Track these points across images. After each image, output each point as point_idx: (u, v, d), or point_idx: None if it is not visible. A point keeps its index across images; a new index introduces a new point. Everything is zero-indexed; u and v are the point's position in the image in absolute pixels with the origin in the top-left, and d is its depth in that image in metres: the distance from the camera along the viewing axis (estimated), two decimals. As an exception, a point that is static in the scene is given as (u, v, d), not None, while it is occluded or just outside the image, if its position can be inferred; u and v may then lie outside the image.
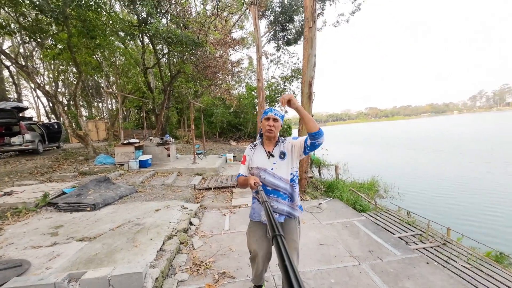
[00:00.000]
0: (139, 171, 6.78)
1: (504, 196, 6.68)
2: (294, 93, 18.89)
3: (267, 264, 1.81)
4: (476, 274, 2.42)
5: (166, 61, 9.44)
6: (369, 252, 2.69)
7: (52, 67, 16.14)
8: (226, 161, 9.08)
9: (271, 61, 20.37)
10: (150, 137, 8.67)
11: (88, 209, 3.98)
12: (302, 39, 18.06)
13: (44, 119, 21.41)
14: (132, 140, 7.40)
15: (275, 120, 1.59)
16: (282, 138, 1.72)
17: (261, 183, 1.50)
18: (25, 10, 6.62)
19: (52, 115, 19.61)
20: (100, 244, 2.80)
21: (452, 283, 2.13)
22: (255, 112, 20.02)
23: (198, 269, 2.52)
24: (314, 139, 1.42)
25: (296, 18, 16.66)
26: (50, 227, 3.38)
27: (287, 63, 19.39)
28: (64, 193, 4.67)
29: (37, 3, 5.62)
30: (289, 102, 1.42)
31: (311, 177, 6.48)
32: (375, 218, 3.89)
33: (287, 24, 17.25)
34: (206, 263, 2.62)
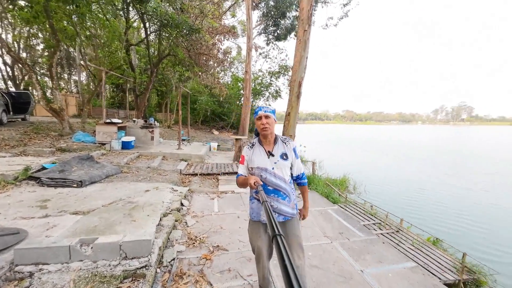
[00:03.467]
0: (121, 152, 6.66)
1: (446, 194, 7.98)
2: (279, 89, 19.33)
3: (269, 263, 1.78)
4: (417, 252, 3.09)
5: (155, 41, 9.06)
6: (339, 234, 3.22)
7: (16, 31, 14.31)
8: (210, 149, 9.23)
9: (260, 54, 20.44)
10: (134, 119, 8.43)
11: (75, 185, 3.96)
12: (292, 35, 18.45)
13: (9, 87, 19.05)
14: (115, 120, 7.16)
15: (267, 117, 1.58)
16: (282, 137, 1.72)
17: (261, 183, 1.49)
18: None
19: (10, 83, 17.51)
20: (97, 217, 2.92)
21: (399, 257, 2.74)
22: (239, 103, 20.14)
23: (194, 243, 2.81)
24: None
25: (288, 14, 16.82)
26: (37, 201, 3.36)
27: (276, 58, 19.65)
28: (44, 168, 4.52)
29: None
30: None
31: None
32: (345, 209, 4.50)
33: (279, 19, 17.38)
34: (200, 238, 2.92)
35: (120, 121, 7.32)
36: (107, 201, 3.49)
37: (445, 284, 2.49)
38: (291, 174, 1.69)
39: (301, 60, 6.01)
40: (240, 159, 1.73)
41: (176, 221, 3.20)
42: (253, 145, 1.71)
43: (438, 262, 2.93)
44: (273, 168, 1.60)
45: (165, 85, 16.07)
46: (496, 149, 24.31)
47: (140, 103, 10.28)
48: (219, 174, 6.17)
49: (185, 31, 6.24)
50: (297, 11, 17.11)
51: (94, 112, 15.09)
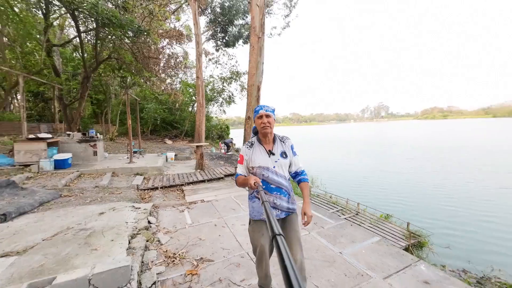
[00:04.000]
0: (56, 173, 5.48)
1: (384, 178, 9.56)
2: (232, 94, 19.48)
3: (269, 259, 1.75)
4: (376, 228, 3.60)
5: (90, 42, 7.80)
6: (314, 224, 3.47)
7: None
8: (167, 160, 8.54)
9: (209, 60, 20.22)
10: (68, 132, 7.07)
11: (-5, 221, 3.07)
12: (240, 42, 18.94)
13: None
14: (42, 135, 5.85)
15: (267, 116, 1.60)
16: (279, 136, 1.74)
17: (261, 184, 1.49)
18: None
19: None
20: (40, 255, 2.34)
21: (365, 235, 3.14)
22: (192, 110, 19.34)
23: (173, 261, 2.56)
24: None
25: (236, 22, 17.22)
26: None
27: (226, 64, 19.77)
28: None
29: None
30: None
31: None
32: (312, 201, 4.87)
33: (226, 26, 17.62)
34: (179, 254, 2.68)
35: (49, 135, 6.02)
36: (49, 233, 2.83)
37: (403, 250, 2.98)
38: (290, 172, 1.75)
39: (258, 65, 6.26)
40: (239, 159, 1.70)
41: (147, 241, 2.84)
42: (252, 144, 1.69)
43: (393, 233, 3.49)
44: (274, 167, 1.61)
45: (103, 92, 14.06)
46: (406, 139, 30.50)
47: (75, 113, 8.69)
48: (183, 185, 5.78)
49: (130, 33, 5.60)
50: (244, 19, 17.73)
51: (1, 128, 11.95)
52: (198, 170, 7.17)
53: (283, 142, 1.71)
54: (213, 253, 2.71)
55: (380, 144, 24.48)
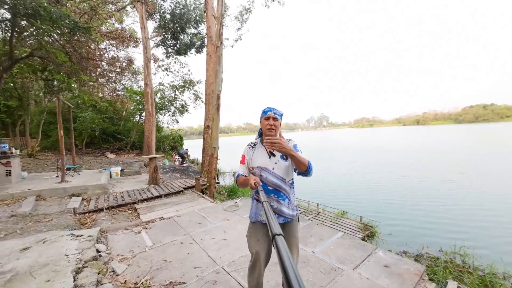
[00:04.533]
0: None
1: (333, 179, 10.62)
2: (185, 103, 18.63)
3: (264, 269, 1.69)
4: (337, 225, 3.93)
5: (3, 35, 6.16)
6: (284, 228, 3.55)
7: None
8: (111, 177, 7.40)
9: (159, 66, 18.99)
10: (-35, 148, 5.36)
11: None
12: (193, 51, 18.50)
13: None
14: None
15: (274, 119, 1.58)
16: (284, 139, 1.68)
17: (261, 183, 1.48)
18: None
19: None
20: None
21: (330, 232, 3.39)
22: (138, 119, 17.53)
23: (136, 291, 2.18)
24: (302, 175, 1.49)
25: (188, 31, 16.80)
26: None
27: (178, 72, 18.91)
28: None
29: None
30: (274, 145, 1.36)
31: (217, 183, 6.89)
32: (277, 206, 5.00)
33: (178, 34, 16.99)
34: (143, 282, 2.31)
35: None
36: None
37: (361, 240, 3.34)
38: (295, 170, 1.58)
39: (217, 74, 6.21)
40: (241, 159, 1.68)
41: (98, 273, 2.35)
42: (254, 145, 1.69)
43: (351, 227, 3.88)
44: (273, 168, 1.58)
45: (18, 98, 11.35)
46: (345, 144, 35.08)
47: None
48: (135, 203, 5.08)
49: (65, 29, 4.67)
50: (196, 28, 17.48)
51: None
52: (152, 185, 6.46)
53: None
54: (184, 274, 2.44)
55: (325, 150, 27.36)
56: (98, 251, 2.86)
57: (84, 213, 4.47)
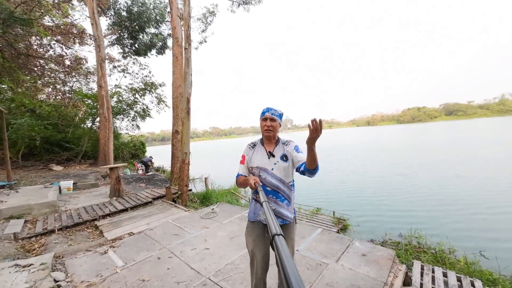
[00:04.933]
0: None
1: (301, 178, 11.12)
2: (147, 107, 17.33)
3: (265, 274, 1.65)
4: (313, 220, 4.11)
5: None
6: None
7: None
8: (60, 192, 6.39)
9: (115, 67, 17.32)
10: None
11: None
12: (154, 52, 17.40)
13: None
14: None
15: (272, 119, 1.57)
16: (283, 139, 1.68)
17: (261, 183, 1.47)
18: None
19: None
20: None
21: (309, 229, 3.53)
22: (90, 125, 15.61)
23: (111, 320, 1.91)
24: (308, 173, 1.44)
25: (148, 30, 15.76)
26: None
27: (138, 74, 17.53)
28: None
29: None
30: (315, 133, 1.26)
31: (190, 190, 6.56)
32: (255, 209, 5.00)
33: (136, 33, 15.79)
34: (119, 309, 2.04)
35: None
36: None
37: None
38: (301, 165, 1.51)
39: (186, 76, 5.96)
40: (241, 159, 1.69)
41: (60, 307, 1.99)
42: (255, 145, 1.70)
43: (326, 222, 4.10)
44: (272, 169, 1.57)
45: None
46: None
47: None
48: (95, 220, 4.49)
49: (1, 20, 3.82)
50: (157, 28, 16.51)
51: None
52: (115, 198, 5.80)
53: (286, 145, 1.64)
54: (166, 291, 2.24)
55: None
56: (56, 280, 2.43)
57: (30, 237, 3.76)
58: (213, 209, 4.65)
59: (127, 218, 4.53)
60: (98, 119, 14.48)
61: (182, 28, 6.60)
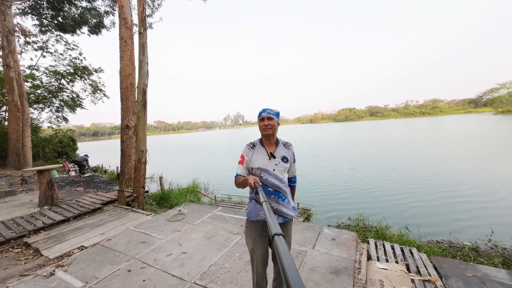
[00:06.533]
0: None
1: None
2: (78, 96, 14.49)
3: (265, 269, 1.68)
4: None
5: None
6: (241, 227, 3.59)
7: None
8: (-45, 205, 4.76)
9: (28, 43, 13.72)
10: None
11: None
12: (85, 30, 14.59)
13: None
14: None
15: (269, 118, 1.61)
16: (283, 140, 1.74)
17: (261, 183, 1.50)
18: None
19: None
20: None
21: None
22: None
23: None
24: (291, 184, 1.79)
25: (78, 3, 13.06)
26: None
27: (62, 54, 14.37)
28: None
29: None
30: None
31: (146, 192, 5.92)
32: (224, 207, 4.93)
33: (60, 4, 12.86)
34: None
35: None
36: None
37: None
38: (290, 177, 1.76)
39: (142, 65, 5.31)
40: (240, 159, 1.68)
41: None
42: (254, 145, 1.69)
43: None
44: (273, 170, 1.60)
45: None
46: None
47: None
48: (23, 237, 3.60)
49: None
50: (90, 2, 13.84)
51: None
52: (47, 207, 4.73)
53: (287, 147, 1.71)
54: (149, 305, 2.04)
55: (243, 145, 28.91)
56: (-14, 321, 1.87)
57: None
58: (180, 210, 4.37)
59: (71, 230, 3.79)
60: (4, 108, 11.31)
61: (135, 9, 5.79)
